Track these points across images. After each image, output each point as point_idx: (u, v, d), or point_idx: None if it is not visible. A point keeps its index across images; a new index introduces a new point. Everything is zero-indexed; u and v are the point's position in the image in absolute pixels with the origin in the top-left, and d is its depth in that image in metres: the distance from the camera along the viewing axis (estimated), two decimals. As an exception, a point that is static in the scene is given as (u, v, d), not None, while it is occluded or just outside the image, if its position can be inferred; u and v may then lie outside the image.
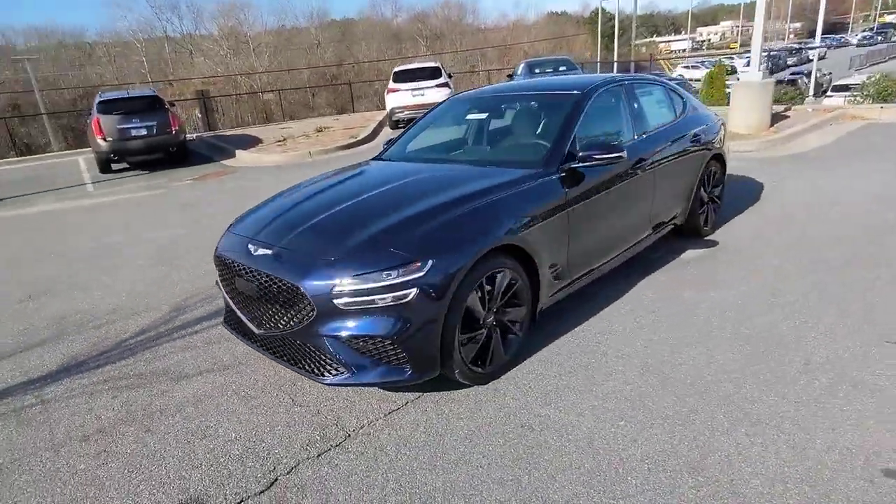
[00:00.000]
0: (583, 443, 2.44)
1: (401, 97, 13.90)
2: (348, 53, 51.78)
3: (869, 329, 3.19)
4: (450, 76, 16.43)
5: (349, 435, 2.63)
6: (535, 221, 3.07)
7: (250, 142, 14.13)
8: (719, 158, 4.99)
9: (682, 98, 4.81)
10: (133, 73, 42.93)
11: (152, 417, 2.90)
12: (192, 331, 3.88)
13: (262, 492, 2.32)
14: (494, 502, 2.15)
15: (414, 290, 2.53)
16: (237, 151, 12.49)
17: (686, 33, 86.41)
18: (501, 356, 3.01)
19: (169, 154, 11.73)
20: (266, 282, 2.76)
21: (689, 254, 4.63)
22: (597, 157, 3.32)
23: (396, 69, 14.52)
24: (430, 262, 2.57)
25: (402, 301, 2.53)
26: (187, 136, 14.00)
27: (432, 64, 14.63)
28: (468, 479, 2.29)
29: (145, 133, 11.27)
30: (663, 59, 54.59)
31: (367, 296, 2.53)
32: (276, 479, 2.38)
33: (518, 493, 2.19)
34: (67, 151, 18.41)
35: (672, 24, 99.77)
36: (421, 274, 2.54)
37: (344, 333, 2.57)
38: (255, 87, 38.01)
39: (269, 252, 2.85)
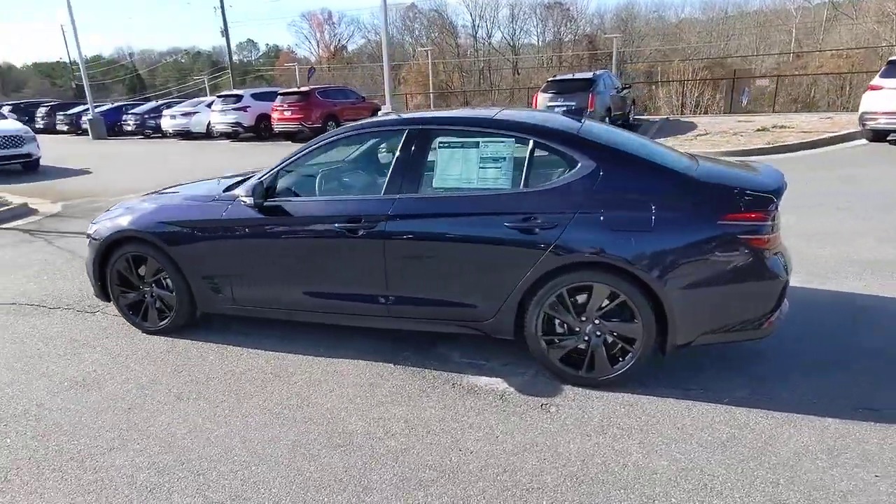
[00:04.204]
0: None
1: (882, 98, 9.68)
2: None
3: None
4: None
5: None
6: (187, 232, 3.63)
7: (687, 130, 13.47)
8: (630, 278, 2.81)
9: (566, 164, 2.97)
10: (763, 44, 41.91)
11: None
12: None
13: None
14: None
15: (89, 240, 4.01)
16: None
17: None
18: (155, 321, 3.93)
19: (582, 129, 13.06)
20: None
21: (496, 383, 3.14)
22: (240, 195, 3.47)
23: (893, 58, 9.95)
24: (94, 230, 3.96)
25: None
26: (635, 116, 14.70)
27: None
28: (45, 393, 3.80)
29: (564, 110, 12.89)
30: None
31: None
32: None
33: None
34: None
35: None
36: (91, 232, 3.99)
37: None
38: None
39: None
